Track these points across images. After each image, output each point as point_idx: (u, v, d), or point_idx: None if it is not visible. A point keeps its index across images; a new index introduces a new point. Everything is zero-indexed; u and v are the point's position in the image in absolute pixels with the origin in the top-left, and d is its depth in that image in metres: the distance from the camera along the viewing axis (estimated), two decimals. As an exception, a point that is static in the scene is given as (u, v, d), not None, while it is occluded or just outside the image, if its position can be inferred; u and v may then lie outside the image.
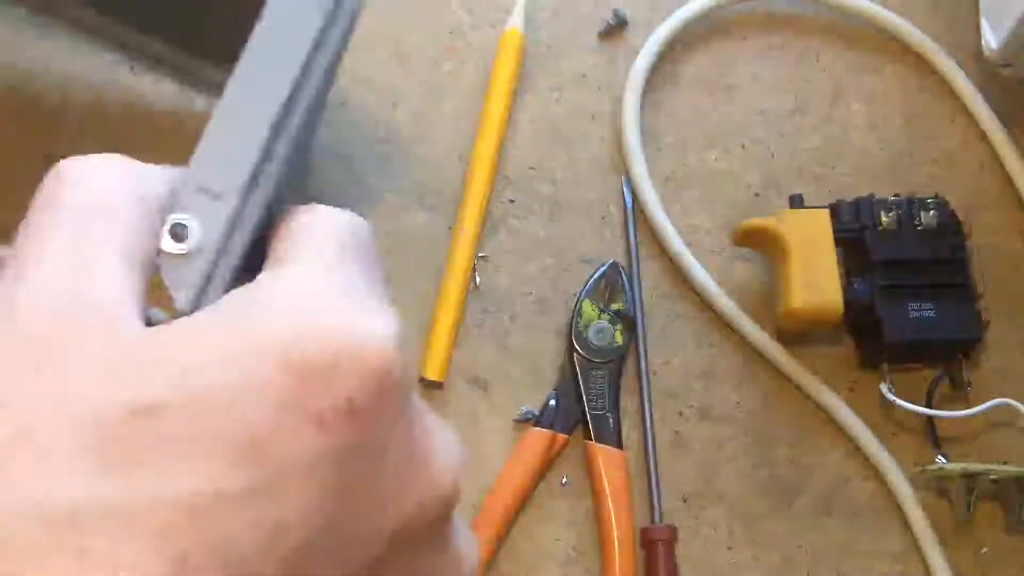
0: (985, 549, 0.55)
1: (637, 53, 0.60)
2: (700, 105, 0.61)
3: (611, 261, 0.56)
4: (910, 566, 0.54)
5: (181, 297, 0.31)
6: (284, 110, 0.34)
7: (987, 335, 0.56)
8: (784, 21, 0.63)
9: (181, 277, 0.31)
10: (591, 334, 0.55)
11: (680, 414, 0.55)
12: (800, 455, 0.55)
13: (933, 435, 0.55)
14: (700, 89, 0.61)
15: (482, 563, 0.51)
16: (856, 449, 0.55)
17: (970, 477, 0.53)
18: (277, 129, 0.34)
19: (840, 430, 0.56)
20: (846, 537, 0.54)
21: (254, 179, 0.33)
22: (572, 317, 0.55)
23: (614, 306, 0.56)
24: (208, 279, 0.32)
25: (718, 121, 0.60)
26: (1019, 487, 0.54)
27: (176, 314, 0.31)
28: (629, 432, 0.54)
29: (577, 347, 0.55)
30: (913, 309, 0.55)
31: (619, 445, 0.54)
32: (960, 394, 0.56)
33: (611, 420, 0.54)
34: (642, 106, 0.59)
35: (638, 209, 0.58)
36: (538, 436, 0.53)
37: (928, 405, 0.55)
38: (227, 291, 0.32)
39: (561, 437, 0.54)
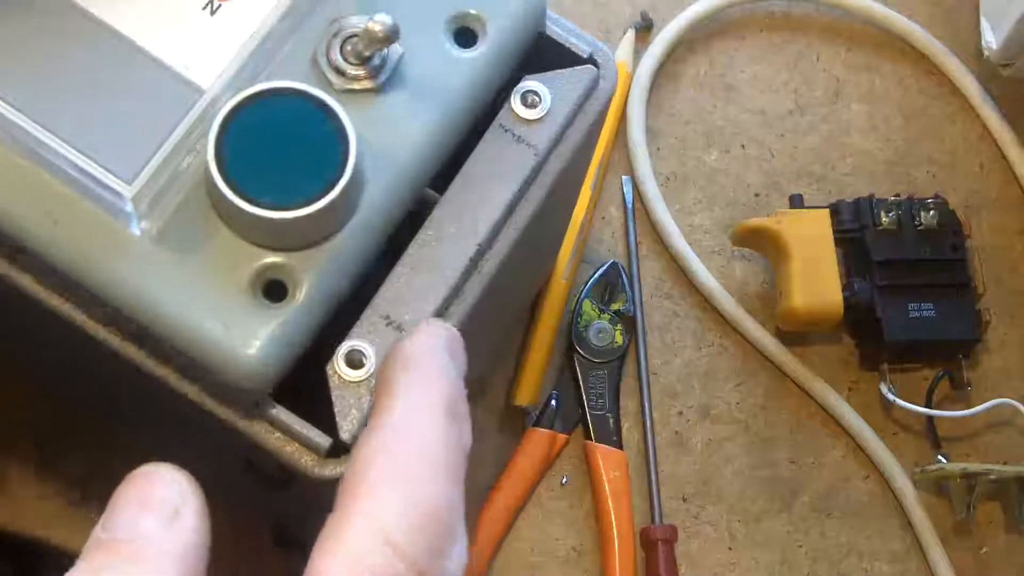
0: (985, 549, 0.55)
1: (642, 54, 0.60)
2: (700, 105, 0.61)
3: (611, 261, 0.56)
4: (910, 566, 0.54)
5: (345, 426, 0.30)
6: (480, 251, 0.33)
7: (987, 335, 0.56)
8: (784, 21, 0.63)
9: (349, 405, 0.30)
10: (591, 334, 0.55)
11: (680, 414, 0.55)
12: (800, 455, 0.55)
13: (933, 435, 0.55)
14: (700, 89, 0.61)
15: (482, 562, 0.51)
16: (856, 449, 0.55)
17: (970, 477, 0.53)
18: (469, 270, 0.33)
19: (840, 430, 0.56)
20: (846, 537, 0.54)
21: (439, 315, 0.32)
22: (572, 317, 0.55)
23: (614, 306, 0.56)
24: None
25: (718, 121, 0.60)
26: (1019, 487, 0.54)
27: (339, 441, 0.30)
28: (629, 432, 0.54)
29: (577, 347, 0.55)
30: (913, 309, 0.55)
31: (619, 445, 0.54)
32: (960, 394, 0.56)
33: (611, 420, 0.54)
34: (642, 106, 0.60)
35: (637, 209, 0.58)
36: (538, 436, 0.53)
37: (928, 405, 0.55)
38: None
39: (561, 437, 0.54)
